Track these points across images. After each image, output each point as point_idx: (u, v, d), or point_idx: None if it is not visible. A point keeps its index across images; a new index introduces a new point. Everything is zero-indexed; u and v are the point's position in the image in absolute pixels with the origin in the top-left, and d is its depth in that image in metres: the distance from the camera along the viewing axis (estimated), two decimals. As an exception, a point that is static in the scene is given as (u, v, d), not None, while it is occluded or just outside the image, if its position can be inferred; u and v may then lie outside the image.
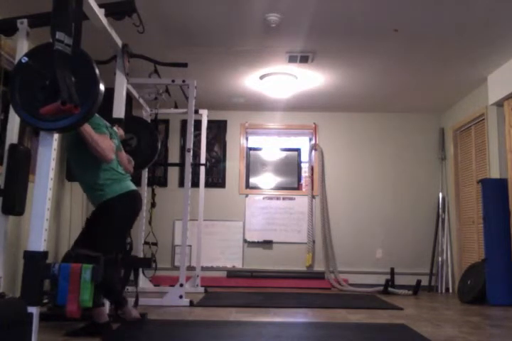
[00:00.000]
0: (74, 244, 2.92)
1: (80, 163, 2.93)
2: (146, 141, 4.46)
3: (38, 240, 2.15)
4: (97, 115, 2.75)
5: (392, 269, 5.82)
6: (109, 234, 2.87)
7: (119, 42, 3.31)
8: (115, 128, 3.11)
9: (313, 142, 6.41)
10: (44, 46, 2.31)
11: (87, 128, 2.64)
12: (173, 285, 4.27)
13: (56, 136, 2.28)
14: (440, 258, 5.87)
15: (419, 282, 5.45)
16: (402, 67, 4.80)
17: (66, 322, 3.03)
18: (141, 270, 4.82)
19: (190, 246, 5.58)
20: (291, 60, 4.60)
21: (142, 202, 3.07)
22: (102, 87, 2.26)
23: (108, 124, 2.99)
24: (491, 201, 4.69)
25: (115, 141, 2.98)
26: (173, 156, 6.26)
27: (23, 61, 2.30)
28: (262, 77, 5.11)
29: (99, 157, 2.76)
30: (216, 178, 6.29)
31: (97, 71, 2.26)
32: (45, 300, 3.14)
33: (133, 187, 2.99)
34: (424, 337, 2.87)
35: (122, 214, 2.90)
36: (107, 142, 2.78)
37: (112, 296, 2.90)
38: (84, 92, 2.21)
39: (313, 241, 6.10)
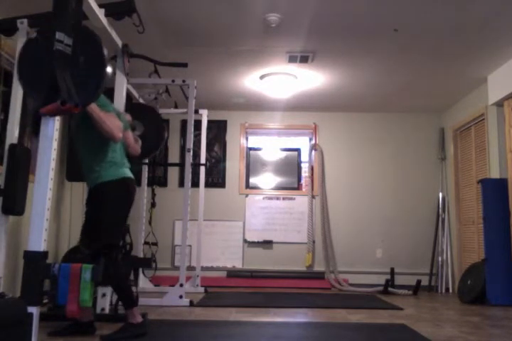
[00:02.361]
0: (80, 234, 2.92)
1: (85, 143, 2.88)
2: (153, 129, 4.38)
3: (38, 240, 2.15)
4: (103, 95, 2.71)
5: (392, 269, 5.82)
6: (102, 220, 2.80)
7: (119, 42, 3.31)
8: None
9: (313, 142, 6.41)
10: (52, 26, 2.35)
11: (93, 107, 2.61)
12: (173, 285, 4.27)
13: (56, 136, 2.28)
14: (440, 258, 5.87)
15: (419, 282, 5.45)
16: (402, 67, 4.80)
17: (66, 322, 3.03)
18: (141, 270, 4.83)
19: (190, 246, 5.58)
20: (291, 60, 4.60)
21: (135, 192, 2.97)
22: (109, 67, 2.28)
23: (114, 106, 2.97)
24: (491, 201, 4.69)
25: (122, 122, 2.94)
26: (173, 156, 6.26)
27: (33, 37, 2.32)
28: (262, 77, 5.11)
29: (106, 136, 2.72)
30: (216, 178, 6.29)
31: (104, 51, 2.28)
32: (45, 300, 3.15)
33: (129, 174, 2.92)
34: (424, 337, 2.87)
35: (114, 200, 2.83)
36: (114, 120, 2.75)
37: (123, 295, 2.87)
38: (91, 71, 2.23)
39: (313, 241, 6.10)
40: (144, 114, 4.28)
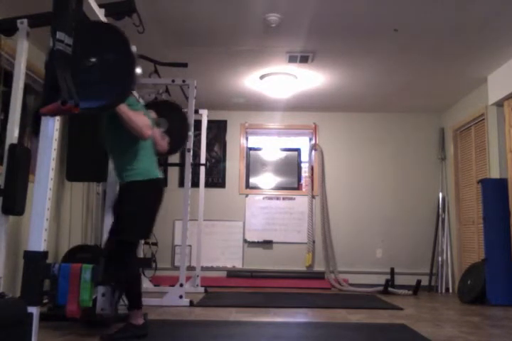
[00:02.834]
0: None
1: (114, 142, 2.92)
2: (177, 126, 4.37)
3: (38, 240, 2.15)
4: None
5: (392, 269, 5.82)
6: (123, 217, 2.84)
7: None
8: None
9: (313, 142, 6.41)
10: (87, 23, 2.41)
11: (122, 106, 2.64)
12: (173, 285, 4.27)
13: (56, 136, 2.28)
14: (440, 258, 5.87)
15: (419, 282, 5.45)
16: (402, 67, 4.80)
17: (66, 322, 3.03)
18: (141, 270, 4.82)
19: (190, 246, 5.58)
20: (291, 60, 4.60)
21: (162, 192, 2.99)
22: (138, 68, 2.30)
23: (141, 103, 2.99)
24: (491, 201, 4.69)
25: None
26: (173, 156, 6.25)
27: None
28: (262, 77, 5.11)
29: (135, 134, 2.75)
30: (216, 178, 6.29)
31: (132, 51, 2.30)
32: (45, 300, 3.15)
33: (158, 175, 2.95)
34: (424, 337, 2.87)
35: (138, 200, 2.85)
36: (142, 119, 2.77)
37: (132, 295, 2.87)
38: (120, 72, 2.26)
39: (313, 241, 6.10)
40: (168, 111, 4.26)
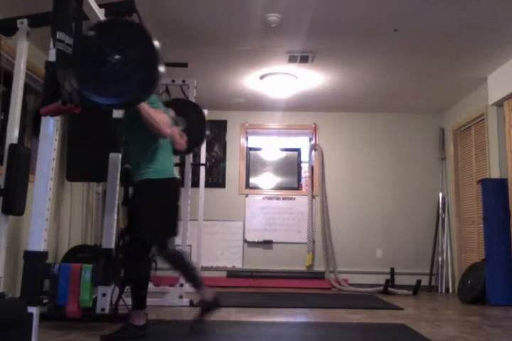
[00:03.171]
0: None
1: (134, 141, 2.93)
2: (195, 124, 4.36)
3: (38, 240, 2.15)
4: None
5: (392, 269, 5.82)
6: (137, 217, 2.84)
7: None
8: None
9: (313, 142, 6.41)
10: (111, 21, 2.45)
11: (143, 104, 2.65)
12: (173, 285, 4.27)
13: (56, 136, 2.28)
14: (440, 258, 5.87)
15: (419, 282, 5.45)
16: (402, 67, 4.80)
17: (66, 322, 3.03)
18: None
19: (190, 246, 5.57)
20: (291, 60, 4.60)
21: (178, 192, 2.99)
22: (162, 67, 2.32)
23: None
24: (491, 201, 4.69)
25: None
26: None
27: (89, 35, 2.35)
28: (262, 77, 5.11)
29: (155, 132, 2.76)
30: (216, 178, 6.29)
31: (157, 48, 2.32)
32: (45, 300, 3.15)
33: (174, 174, 2.95)
34: (424, 337, 2.87)
35: (152, 199, 2.85)
36: (162, 117, 2.78)
37: (137, 295, 2.87)
38: (144, 69, 2.29)
39: (313, 241, 6.10)
40: (186, 110, 4.25)
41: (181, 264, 2.97)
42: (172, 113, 3.17)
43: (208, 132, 4.35)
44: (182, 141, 3.18)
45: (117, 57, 2.29)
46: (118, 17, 2.53)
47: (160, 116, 2.76)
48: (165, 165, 2.90)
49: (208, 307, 2.97)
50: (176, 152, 3.14)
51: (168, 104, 3.20)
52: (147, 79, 2.32)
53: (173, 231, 2.95)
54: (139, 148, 2.91)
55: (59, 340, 2.70)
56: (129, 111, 2.87)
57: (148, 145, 2.87)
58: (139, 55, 2.30)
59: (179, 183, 3.02)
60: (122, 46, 2.32)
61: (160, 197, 2.86)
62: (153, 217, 2.83)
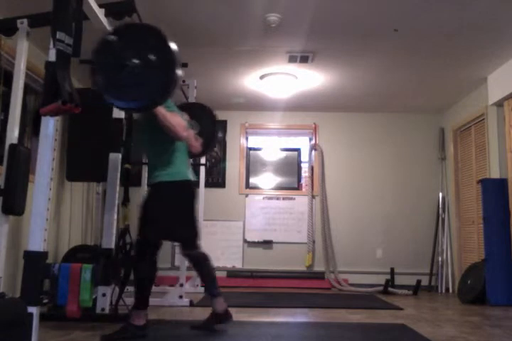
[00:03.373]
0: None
1: (150, 143, 2.97)
2: (208, 128, 4.38)
3: (38, 240, 2.15)
4: None
5: (392, 269, 5.82)
6: (147, 216, 2.86)
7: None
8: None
9: (313, 142, 6.41)
10: (129, 25, 2.49)
11: (159, 107, 2.68)
12: (173, 285, 4.27)
13: (56, 136, 2.28)
14: (440, 258, 5.87)
15: (419, 282, 5.45)
16: (402, 67, 4.80)
17: (66, 322, 3.03)
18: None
19: (190, 246, 5.57)
20: (291, 60, 4.60)
21: (193, 194, 3.02)
22: (180, 70, 2.35)
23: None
24: (491, 201, 4.68)
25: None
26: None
27: (110, 39, 2.37)
28: (262, 77, 5.11)
29: (172, 135, 2.79)
30: (216, 178, 6.29)
31: (175, 52, 2.34)
32: (45, 300, 3.15)
33: (190, 177, 2.97)
34: (424, 337, 2.87)
35: (165, 200, 2.87)
36: (178, 120, 2.81)
37: (140, 294, 2.86)
38: (161, 73, 2.32)
39: (313, 241, 6.10)
40: (199, 113, 4.27)
41: (202, 268, 3.06)
42: (186, 116, 3.19)
43: (219, 134, 4.37)
44: (197, 144, 3.21)
45: (136, 61, 2.32)
46: (136, 22, 2.56)
47: (176, 120, 2.80)
48: (180, 168, 2.93)
49: (217, 318, 2.99)
50: (191, 155, 3.16)
51: (182, 108, 3.22)
52: (165, 83, 2.35)
53: (174, 234, 2.96)
54: (155, 151, 2.95)
55: (59, 340, 2.70)
56: (145, 115, 2.91)
57: (164, 148, 2.91)
58: (156, 58, 2.32)
59: (193, 185, 3.03)
60: (140, 50, 2.36)
61: (173, 199, 2.89)
62: (162, 219, 2.85)
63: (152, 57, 2.34)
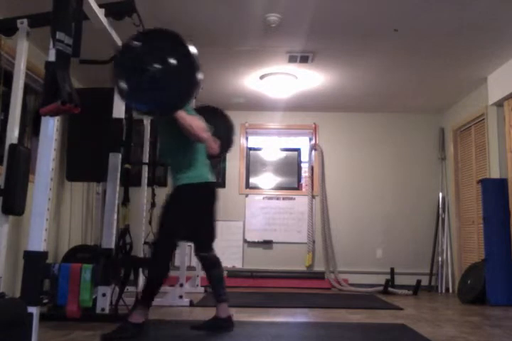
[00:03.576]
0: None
1: (170, 146, 2.99)
2: (222, 131, 4.40)
3: (38, 240, 2.15)
4: None
5: (392, 269, 5.82)
6: (171, 218, 2.86)
7: (119, 42, 3.31)
8: None
9: (313, 142, 6.41)
10: (151, 31, 2.54)
11: (180, 111, 2.70)
12: (173, 285, 4.28)
13: (56, 136, 2.28)
14: (440, 258, 5.87)
15: (419, 282, 5.45)
16: (402, 67, 4.80)
17: (66, 322, 3.03)
18: (141, 270, 4.82)
19: (190, 246, 5.57)
20: (291, 60, 4.60)
21: (214, 196, 3.04)
22: (200, 74, 2.39)
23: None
24: (491, 201, 4.68)
25: None
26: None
27: (134, 45, 2.40)
28: (262, 77, 5.11)
29: (193, 138, 2.81)
30: (216, 178, 6.28)
31: (195, 57, 2.39)
32: (45, 300, 3.15)
33: (210, 179, 2.99)
34: (424, 337, 2.87)
35: (187, 202, 2.89)
36: (198, 122, 2.84)
37: (148, 292, 2.86)
38: (182, 77, 2.37)
39: (313, 241, 6.10)
40: (213, 116, 4.30)
41: (213, 272, 3.04)
42: (202, 120, 3.20)
43: (235, 137, 4.39)
44: (215, 146, 3.24)
45: (157, 65, 2.35)
46: (157, 27, 2.58)
47: (196, 122, 2.82)
48: (201, 171, 2.96)
49: (218, 323, 2.97)
50: (209, 157, 3.17)
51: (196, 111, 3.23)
52: (186, 87, 2.39)
53: (194, 235, 2.98)
54: (175, 154, 2.97)
55: (59, 340, 2.70)
56: (164, 119, 2.92)
57: (184, 151, 2.93)
58: (177, 63, 2.36)
59: (214, 187, 3.05)
60: (161, 55, 2.39)
61: (192, 201, 2.90)
62: (182, 221, 2.86)
63: (173, 61, 2.37)
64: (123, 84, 2.41)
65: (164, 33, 2.53)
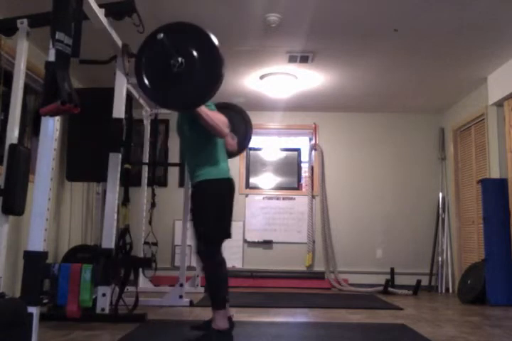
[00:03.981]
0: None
1: (190, 142, 2.94)
2: (240, 127, 4.37)
3: (38, 240, 2.15)
4: None
5: (392, 269, 5.82)
6: (201, 217, 2.81)
7: (119, 42, 3.31)
8: None
9: (313, 142, 6.41)
10: (175, 24, 2.50)
11: (202, 106, 2.67)
12: (173, 285, 4.28)
13: (56, 136, 2.28)
14: (440, 258, 5.87)
15: (419, 282, 5.45)
16: (402, 67, 4.80)
17: (66, 322, 3.03)
18: (141, 270, 4.82)
19: (190, 246, 5.57)
20: (291, 60, 4.60)
21: (231, 192, 2.94)
22: (224, 69, 2.38)
23: None
24: (491, 201, 4.68)
25: None
26: (173, 156, 6.25)
27: (159, 37, 2.40)
28: (262, 77, 5.11)
29: (214, 133, 2.77)
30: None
31: (219, 51, 2.38)
32: (45, 300, 3.15)
33: (228, 175, 2.92)
34: (424, 337, 2.87)
35: (210, 198, 2.82)
36: (220, 117, 2.79)
37: (211, 294, 2.77)
38: (206, 72, 2.37)
39: (313, 241, 6.10)
40: (231, 113, 4.27)
41: (214, 273, 2.85)
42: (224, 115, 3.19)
43: (252, 133, 4.35)
44: (233, 142, 3.18)
45: (181, 59, 2.34)
46: (182, 21, 2.56)
47: (218, 117, 2.78)
48: (221, 166, 2.90)
49: (211, 335, 2.66)
50: (228, 153, 3.11)
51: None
52: (210, 81, 2.37)
53: (225, 231, 2.90)
54: (196, 150, 2.91)
55: (59, 340, 2.70)
56: (185, 115, 2.87)
57: (205, 147, 2.88)
58: (201, 57, 2.35)
59: (233, 184, 2.96)
60: (185, 49, 2.38)
61: (215, 198, 2.82)
62: (212, 219, 2.79)
63: (197, 55, 2.35)
64: (146, 79, 2.40)
65: (188, 26, 2.50)
